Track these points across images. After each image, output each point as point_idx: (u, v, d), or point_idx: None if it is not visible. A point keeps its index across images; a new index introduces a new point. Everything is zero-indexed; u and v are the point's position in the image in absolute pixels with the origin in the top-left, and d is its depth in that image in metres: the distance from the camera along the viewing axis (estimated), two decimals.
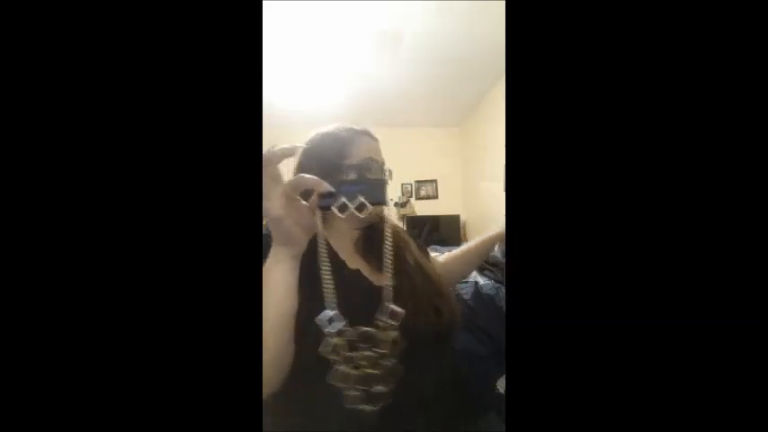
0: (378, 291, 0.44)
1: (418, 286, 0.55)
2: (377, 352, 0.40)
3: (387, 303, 0.41)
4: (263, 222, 0.43)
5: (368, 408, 0.40)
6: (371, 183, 0.44)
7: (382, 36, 2.03)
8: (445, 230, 3.00)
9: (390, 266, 0.44)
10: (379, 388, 0.40)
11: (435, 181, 3.65)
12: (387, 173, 0.58)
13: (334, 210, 0.40)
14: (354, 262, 0.57)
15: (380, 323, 0.41)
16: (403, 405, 0.45)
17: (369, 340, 0.40)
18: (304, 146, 0.42)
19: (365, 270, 0.56)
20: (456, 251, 0.80)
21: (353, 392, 0.40)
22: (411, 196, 3.47)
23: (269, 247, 0.42)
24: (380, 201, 0.41)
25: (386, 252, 0.45)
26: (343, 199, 0.40)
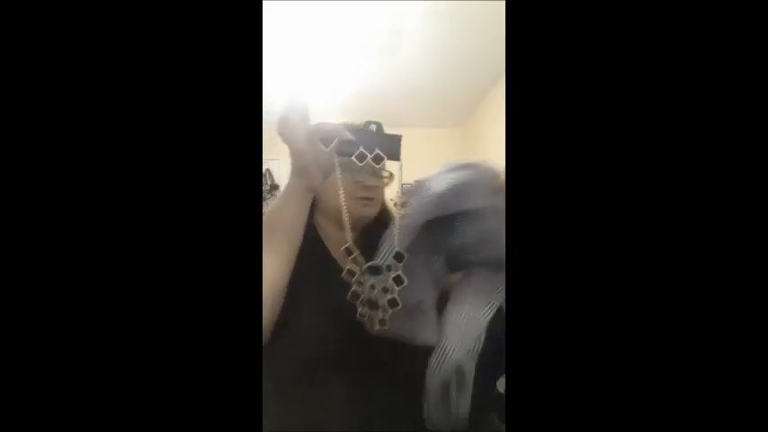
0: None
1: None
2: (383, 287, 0.45)
3: (396, 246, 0.45)
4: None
5: (373, 324, 0.45)
6: (389, 137, 0.46)
7: (382, 36, 2.03)
8: None
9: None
10: (380, 314, 0.45)
11: None
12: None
13: (354, 159, 0.43)
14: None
15: (389, 263, 0.45)
16: (398, 404, 0.46)
17: (376, 272, 0.45)
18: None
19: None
20: None
21: (361, 308, 0.45)
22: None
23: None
24: (396, 155, 0.44)
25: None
26: (362, 148, 0.42)
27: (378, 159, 0.43)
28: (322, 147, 0.43)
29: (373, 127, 0.56)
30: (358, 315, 0.45)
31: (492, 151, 2.81)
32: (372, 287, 0.45)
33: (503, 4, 0.35)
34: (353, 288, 0.46)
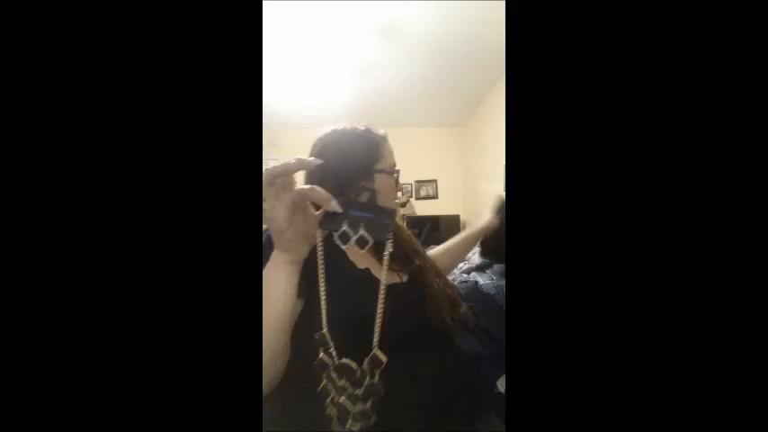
0: (391, 292, 0.44)
1: (432, 280, 0.57)
2: (353, 391, 0.40)
3: (375, 350, 0.40)
4: (265, 226, 0.43)
5: (343, 429, 0.40)
6: (380, 212, 0.40)
7: (382, 36, 2.03)
8: (445, 230, 3.00)
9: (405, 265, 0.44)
10: (357, 414, 0.39)
11: (435, 181, 3.65)
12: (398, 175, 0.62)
13: (336, 239, 0.39)
14: (363, 261, 0.57)
15: (364, 368, 0.40)
16: (400, 404, 0.45)
17: (347, 374, 0.40)
18: (320, 161, 0.42)
19: (374, 269, 0.56)
20: (441, 247, 0.85)
21: (332, 410, 0.40)
22: (411, 196, 3.47)
23: (271, 248, 0.42)
24: (383, 238, 0.39)
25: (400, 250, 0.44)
26: (345, 227, 0.39)
27: (362, 242, 0.38)
28: (309, 210, 0.39)
29: (366, 196, 0.51)
30: (326, 413, 0.40)
31: (492, 151, 2.82)
32: (344, 389, 0.39)
33: (503, 4, 0.35)
34: (324, 382, 0.40)
